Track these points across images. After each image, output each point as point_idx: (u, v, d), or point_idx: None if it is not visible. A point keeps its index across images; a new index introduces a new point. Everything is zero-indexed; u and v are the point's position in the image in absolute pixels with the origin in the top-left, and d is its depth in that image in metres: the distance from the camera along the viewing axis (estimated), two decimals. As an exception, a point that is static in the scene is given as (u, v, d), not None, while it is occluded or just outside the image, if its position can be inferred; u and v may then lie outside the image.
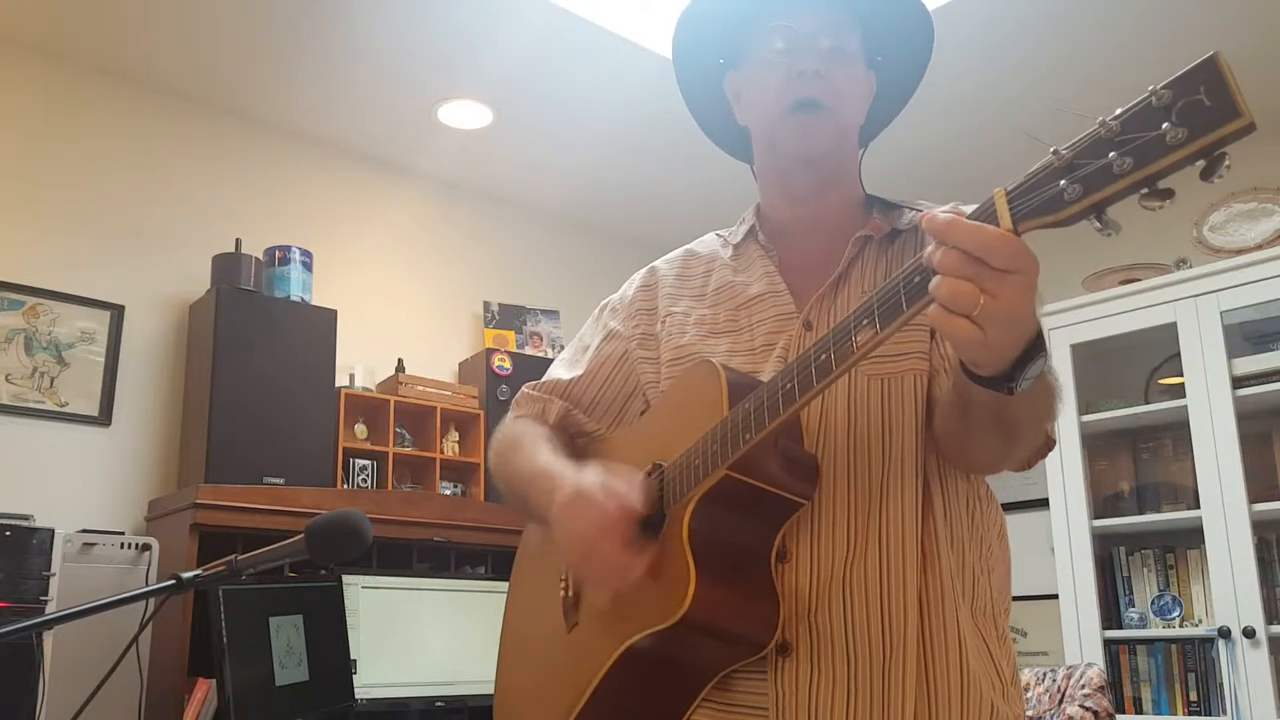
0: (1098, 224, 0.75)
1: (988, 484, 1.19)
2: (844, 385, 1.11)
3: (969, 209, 0.84)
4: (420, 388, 3.64)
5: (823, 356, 0.92)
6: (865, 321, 0.88)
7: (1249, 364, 3.17)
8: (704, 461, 1.04)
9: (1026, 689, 2.66)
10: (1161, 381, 3.50)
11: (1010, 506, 3.86)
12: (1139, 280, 3.47)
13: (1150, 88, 0.69)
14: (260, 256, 3.36)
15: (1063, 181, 0.75)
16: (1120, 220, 0.76)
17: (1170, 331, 3.31)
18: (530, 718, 1.26)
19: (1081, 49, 3.23)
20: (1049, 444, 1.12)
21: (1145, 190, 0.71)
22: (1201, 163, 0.69)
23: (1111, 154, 0.71)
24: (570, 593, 1.22)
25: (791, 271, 1.22)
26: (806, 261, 1.22)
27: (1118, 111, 0.72)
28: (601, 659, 1.09)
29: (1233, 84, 0.66)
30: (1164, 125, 0.68)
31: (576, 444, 1.34)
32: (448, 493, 3.60)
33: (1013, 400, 0.90)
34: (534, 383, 1.41)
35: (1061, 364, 3.50)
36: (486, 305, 4.08)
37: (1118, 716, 2.81)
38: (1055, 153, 0.75)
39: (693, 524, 1.02)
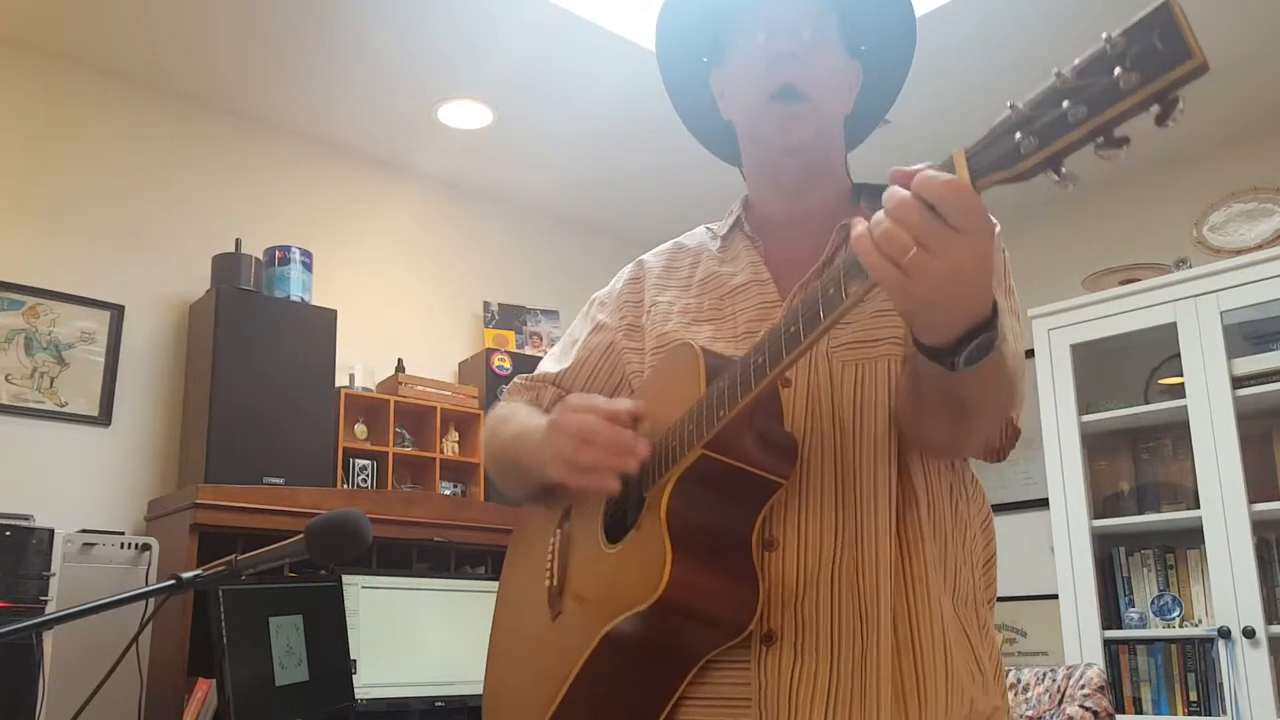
0: (1055, 176, 0.74)
1: (974, 474, 1.19)
2: (825, 371, 1.11)
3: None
4: (420, 388, 3.64)
5: (792, 329, 0.92)
6: (831, 290, 0.88)
7: (1249, 364, 3.17)
8: (681, 442, 1.04)
9: (1026, 689, 2.66)
10: (1161, 381, 3.50)
11: (1010, 506, 3.87)
12: (1139, 280, 3.47)
13: (1104, 35, 0.69)
14: (260, 256, 3.36)
15: (1018, 134, 0.75)
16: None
17: (1170, 331, 3.31)
18: (515, 709, 1.26)
19: (1080, 49, 3.23)
20: (1015, 433, 1.12)
21: (1101, 139, 0.71)
22: (1156, 108, 0.68)
23: (1065, 103, 0.71)
24: (555, 582, 1.22)
25: (777, 262, 1.22)
26: (793, 252, 1.22)
27: (1075, 62, 0.72)
28: (582, 646, 1.09)
29: (1185, 27, 0.66)
30: (1116, 70, 0.68)
31: None
32: (448, 493, 3.60)
33: (960, 379, 0.90)
34: (525, 375, 1.42)
35: (1061, 364, 3.50)
36: (486, 305, 4.09)
37: (1118, 716, 2.81)
38: (1012, 107, 0.75)
39: (671, 504, 1.02)
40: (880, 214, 0.82)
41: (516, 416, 1.30)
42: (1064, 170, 0.74)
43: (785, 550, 1.06)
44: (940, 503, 1.12)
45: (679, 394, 1.08)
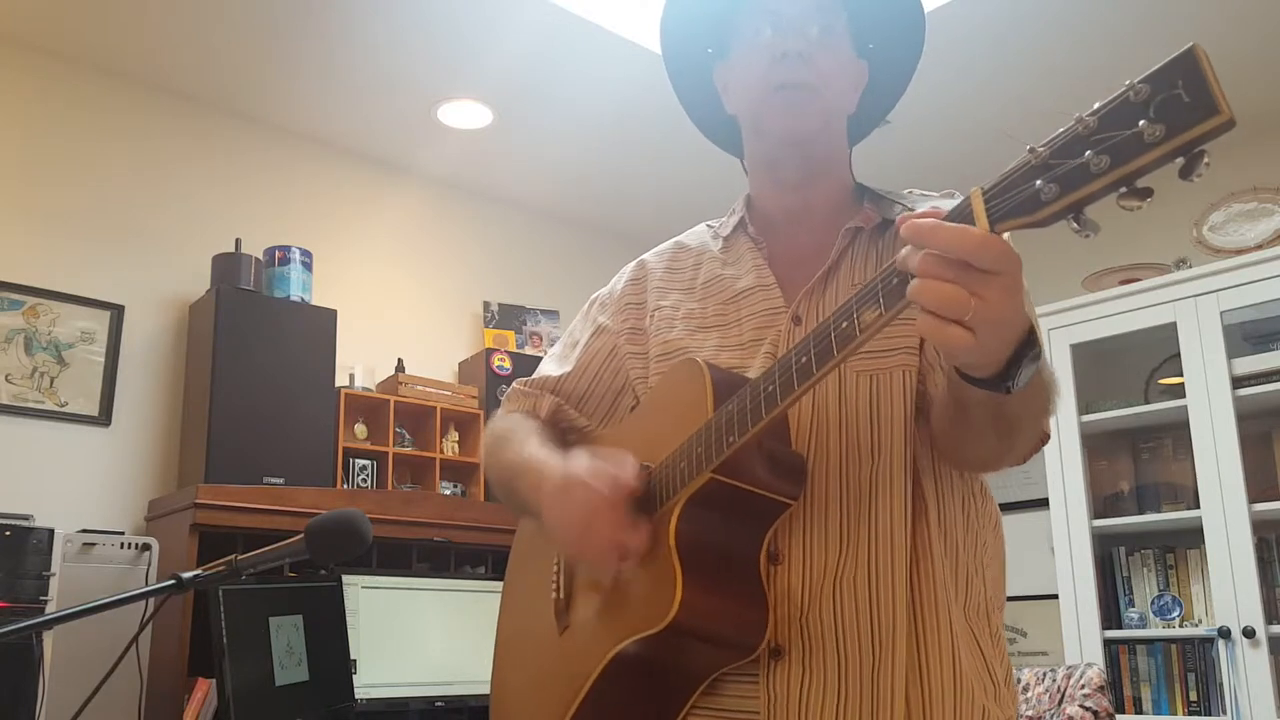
0: (1075, 225, 0.73)
1: (982, 479, 1.18)
2: (834, 382, 1.10)
3: (950, 204, 0.83)
4: (420, 388, 3.64)
5: (803, 359, 0.92)
6: (845, 324, 0.88)
7: (1249, 364, 3.16)
8: (689, 464, 1.03)
9: (1026, 689, 2.66)
10: (1161, 381, 3.50)
11: (1010, 506, 3.86)
12: (1139, 280, 3.47)
13: (1127, 82, 0.68)
14: (260, 256, 3.36)
15: (1039, 181, 0.73)
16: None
17: (1170, 331, 3.31)
18: None
19: (1081, 48, 3.24)
20: (1045, 437, 1.12)
21: (1123, 189, 0.70)
22: (1180, 160, 0.67)
23: (1088, 152, 0.70)
24: (561, 595, 1.21)
25: (781, 263, 1.21)
26: (796, 253, 1.21)
27: (1095, 107, 0.70)
28: (591, 663, 1.09)
29: (1212, 79, 0.64)
30: (1141, 122, 0.67)
31: (568, 440, 1.33)
32: (448, 493, 3.60)
33: (1010, 399, 0.89)
34: (524, 379, 1.40)
35: (1061, 364, 3.50)
36: (486, 305, 4.08)
37: (1118, 716, 2.81)
38: (1032, 151, 0.74)
39: (679, 527, 1.01)
40: (918, 283, 0.80)
41: (514, 438, 1.28)
42: (1084, 218, 0.73)
43: (790, 564, 1.05)
44: (951, 511, 1.11)
45: (684, 411, 1.07)
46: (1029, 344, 0.86)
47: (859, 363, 1.09)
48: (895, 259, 0.83)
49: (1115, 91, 0.69)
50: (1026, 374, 0.87)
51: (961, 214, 0.80)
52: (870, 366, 1.09)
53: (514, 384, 1.41)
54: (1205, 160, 0.66)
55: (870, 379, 1.09)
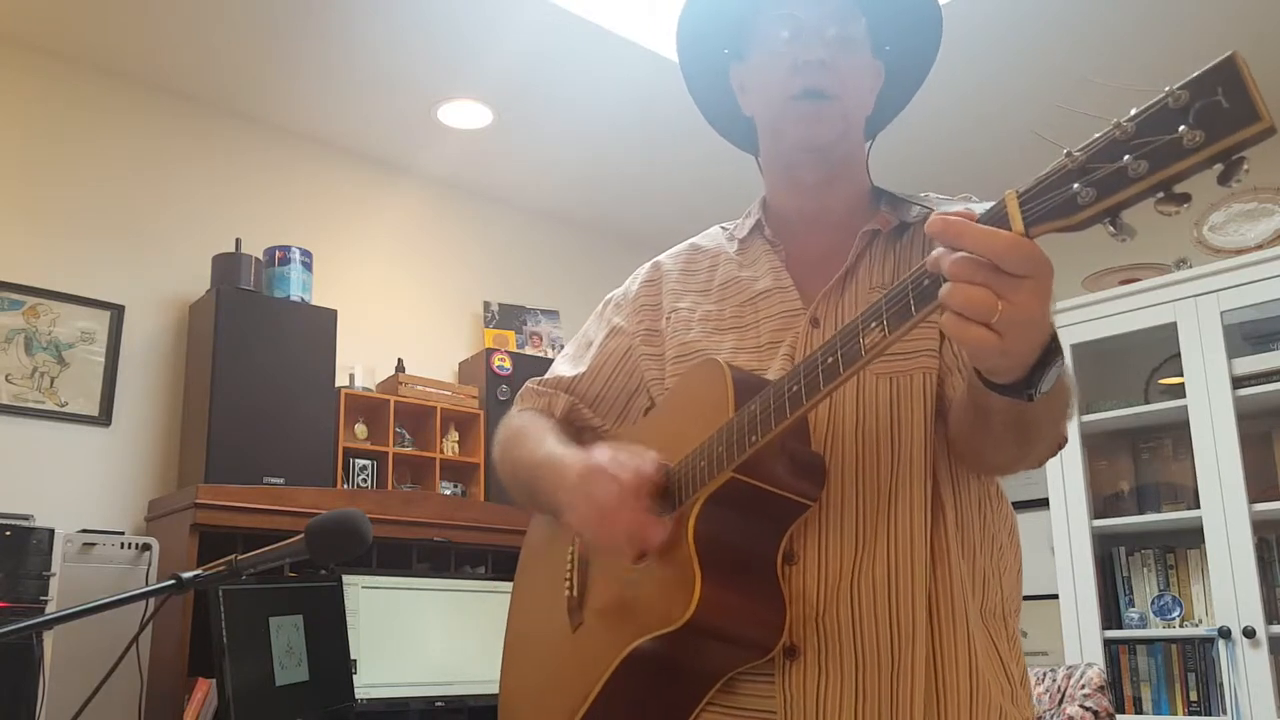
0: (1112, 228, 0.73)
1: (999, 483, 1.18)
2: (852, 384, 1.10)
3: (979, 207, 0.82)
4: (420, 388, 3.64)
5: (829, 360, 0.92)
6: (874, 324, 0.87)
7: (1249, 364, 3.16)
8: (710, 463, 1.03)
9: (1026, 689, 2.66)
10: (1161, 381, 3.50)
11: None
12: (1139, 280, 3.47)
13: (1166, 88, 0.67)
14: (260, 256, 3.36)
15: (1076, 185, 0.73)
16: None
17: (1170, 331, 3.31)
18: (534, 718, 1.25)
19: (1081, 48, 3.24)
20: (1062, 442, 1.12)
21: (1161, 194, 0.70)
22: (1219, 166, 0.67)
23: (1126, 157, 0.70)
24: (575, 592, 1.21)
25: (798, 266, 1.21)
26: (813, 255, 1.21)
27: (1133, 112, 0.70)
28: (606, 661, 1.09)
29: (1252, 85, 0.64)
30: (1180, 128, 0.67)
31: (583, 439, 1.33)
32: (448, 493, 3.60)
33: (1031, 405, 0.89)
34: (538, 378, 1.40)
35: (1062, 364, 3.50)
36: (486, 305, 4.08)
37: (1118, 716, 2.81)
38: (1068, 154, 0.74)
39: (698, 526, 1.01)
40: (947, 288, 0.80)
41: (530, 435, 1.28)
42: (1120, 222, 0.73)
43: (805, 564, 1.05)
44: (969, 514, 1.11)
45: (704, 411, 1.07)
46: (1053, 351, 0.86)
47: (879, 365, 1.09)
48: (926, 260, 0.83)
49: (1154, 97, 0.69)
50: (1050, 382, 0.87)
51: (996, 216, 0.80)
52: (890, 369, 1.09)
53: (528, 383, 1.41)
54: (1245, 166, 0.67)
55: (890, 381, 1.09)
